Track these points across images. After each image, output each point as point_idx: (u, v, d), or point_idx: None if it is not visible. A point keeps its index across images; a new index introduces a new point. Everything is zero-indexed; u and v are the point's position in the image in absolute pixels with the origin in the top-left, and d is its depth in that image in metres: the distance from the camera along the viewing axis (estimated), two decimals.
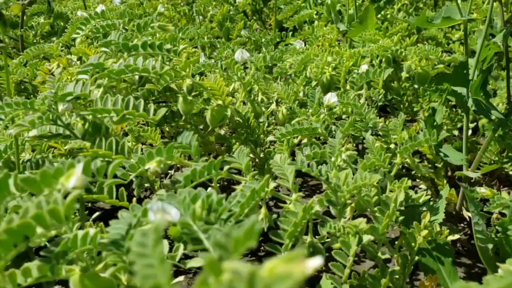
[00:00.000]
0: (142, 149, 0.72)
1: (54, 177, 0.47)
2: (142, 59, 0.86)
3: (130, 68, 0.81)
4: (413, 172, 1.14)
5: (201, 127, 1.25)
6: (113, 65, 0.82)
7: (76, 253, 0.56)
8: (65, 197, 0.46)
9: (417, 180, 1.22)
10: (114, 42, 0.91)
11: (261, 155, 1.21)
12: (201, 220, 0.54)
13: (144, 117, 0.73)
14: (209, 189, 1.10)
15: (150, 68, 0.81)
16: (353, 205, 0.86)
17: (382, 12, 1.55)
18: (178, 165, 1.27)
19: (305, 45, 1.58)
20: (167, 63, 1.05)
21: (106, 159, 0.68)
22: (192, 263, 0.56)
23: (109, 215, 1.09)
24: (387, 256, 0.84)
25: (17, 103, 0.75)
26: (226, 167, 0.75)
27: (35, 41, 1.73)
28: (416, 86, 1.33)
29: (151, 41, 0.86)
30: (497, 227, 0.88)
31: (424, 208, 0.97)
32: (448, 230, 0.90)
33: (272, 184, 0.73)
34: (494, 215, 0.96)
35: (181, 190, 0.57)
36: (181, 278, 0.79)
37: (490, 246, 0.87)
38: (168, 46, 0.87)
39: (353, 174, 0.92)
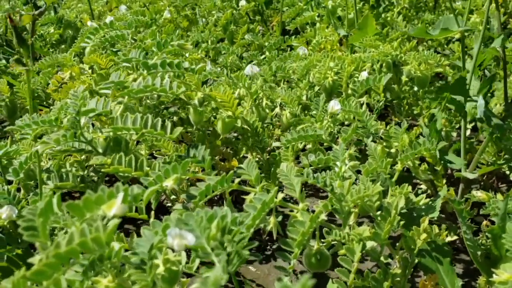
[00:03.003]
0: (158, 166, 0.77)
1: (96, 203, 0.52)
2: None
3: (148, 88, 0.86)
4: (413, 173, 1.18)
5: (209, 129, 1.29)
6: (132, 84, 0.87)
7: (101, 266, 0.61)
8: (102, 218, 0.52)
9: (417, 180, 1.27)
10: (135, 60, 0.96)
11: (267, 157, 1.25)
12: (216, 240, 0.59)
13: (162, 135, 0.78)
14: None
15: (168, 88, 0.86)
16: (356, 210, 0.91)
17: (383, 16, 1.58)
18: None
19: (308, 45, 1.62)
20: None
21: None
22: (208, 274, 0.60)
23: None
24: (388, 260, 0.89)
25: (43, 121, 0.80)
26: (237, 180, 0.80)
27: (41, 45, 1.77)
28: (416, 88, 1.37)
29: (170, 59, 0.91)
30: (487, 233, 0.93)
31: (422, 206, 1.02)
32: (446, 231, 0.95)
33: (280, 195, 0.78)
34: (484, 222, 1.01)
35: (199, 209, 0.62)
36: None
37: (479, 252, 0.92)
38: (186, 64, 0.92)
39: (356, 179, 0.96)
